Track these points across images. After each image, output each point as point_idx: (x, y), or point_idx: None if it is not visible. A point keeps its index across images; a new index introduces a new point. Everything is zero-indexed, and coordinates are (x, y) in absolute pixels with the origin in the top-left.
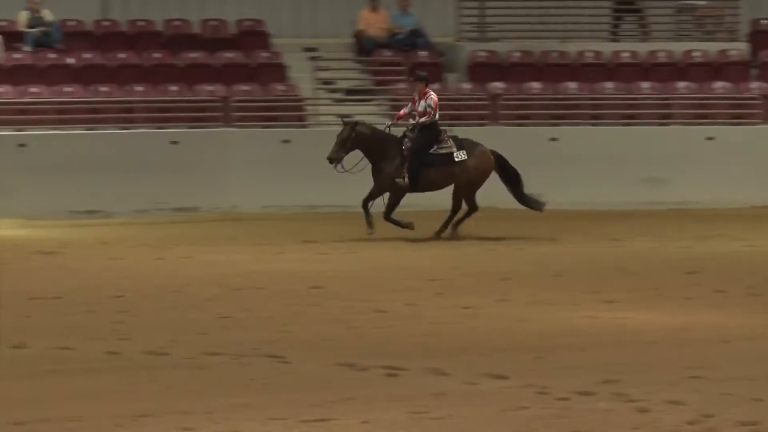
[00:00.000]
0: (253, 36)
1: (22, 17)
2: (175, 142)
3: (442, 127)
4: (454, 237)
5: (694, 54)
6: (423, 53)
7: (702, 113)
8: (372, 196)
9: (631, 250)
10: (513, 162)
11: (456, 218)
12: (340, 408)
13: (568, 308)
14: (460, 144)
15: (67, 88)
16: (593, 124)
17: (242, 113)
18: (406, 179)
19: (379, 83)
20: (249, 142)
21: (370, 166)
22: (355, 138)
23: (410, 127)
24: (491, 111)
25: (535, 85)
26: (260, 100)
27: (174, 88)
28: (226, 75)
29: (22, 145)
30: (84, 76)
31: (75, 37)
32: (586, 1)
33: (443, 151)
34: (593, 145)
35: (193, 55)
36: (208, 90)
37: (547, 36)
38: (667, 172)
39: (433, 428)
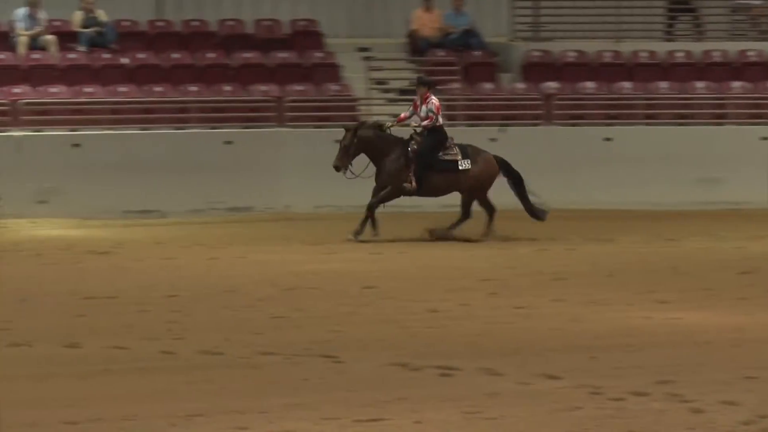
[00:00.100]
0: (306, 36)
1: (77, 17)
2: (228, 142)
3: (449, 135)
4: (485, 237)
5: (749, 53)
6: (477, 53)
7: (756, 113)
8: (376, 198)
9: (685, 250)
10: (567, 161)
11: (487, 222)
12: (393, 408)
13: (622, 308)
14: (465, 152)
15: (122, 88)
16: (647, 124)
17: (296, 113)
18: (414, 183)
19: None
20: (302, 142)
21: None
22: (358, 143)
23: (418, 130)
24: (545, 111)
25: (590, 85)
26: (314, 100)
27: (228, 88)
28: (280, 75)
29: (76, 145)
30: (138, 76)
31: (129, 37)
32: (640, 1)
33: (448, 157)
34: (647, 145)
35: (247, 55)
36: (262, 90)
37: (601, 36)
38: (721, 172)
39: (486, 428)
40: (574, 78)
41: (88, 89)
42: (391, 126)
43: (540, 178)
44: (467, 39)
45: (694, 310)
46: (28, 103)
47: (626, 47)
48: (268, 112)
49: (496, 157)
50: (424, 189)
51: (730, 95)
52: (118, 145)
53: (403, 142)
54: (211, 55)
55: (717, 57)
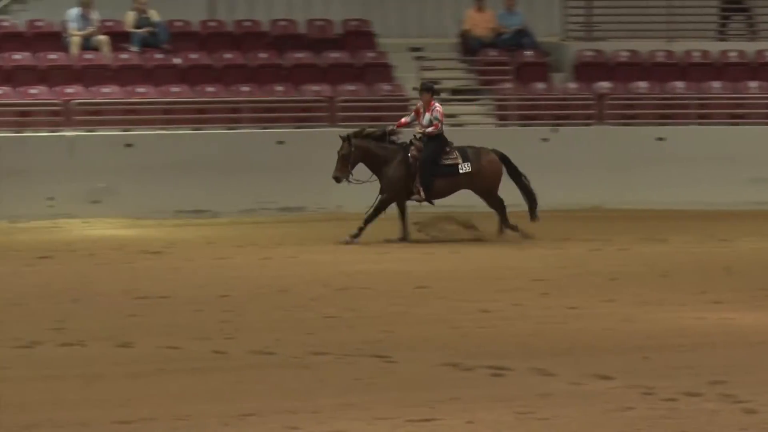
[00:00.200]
0: (358, 36)
1: (129, 18)
2: (281, 142)
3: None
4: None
5: None
6: (529, 53)
7: None
8: (378, 209)
9: (738, 250)
10: (619, 161)
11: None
12: (445, 408)
13: (675, 308)
14: (465, 155)
15: (174, 89)
16: (700, 124)
17: (348, 113)
18: (422, 193)
19: (484, 83)
20: None
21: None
22: (356, 152)
23: (418, 136)
24: (597, 111)
25: (642, 85)
26: (365, 100)
27: (280, 88)
28: (332, 75)
29: (129, 146)
30: (190, 76)
31: (181, 37)
32: (693, 0)
33: (449, 162)
34: (700, 144)
35: (299, 55)
36: (314, 90)
37: (653, 35)
38: None
39: (538, 428)
40: (627, 78)
41: (141, 89)
42: (391, 131)
43: (592, 178)
44: (519, 39)
45: (747, 311)
46: (80, 104)
47: (679, 47)
48: (319, 112)
49: (496, 152)
50: (429, 194)
51: None
52: (170, 145)
53: (403, 149)
54: (263, 55)
55: None
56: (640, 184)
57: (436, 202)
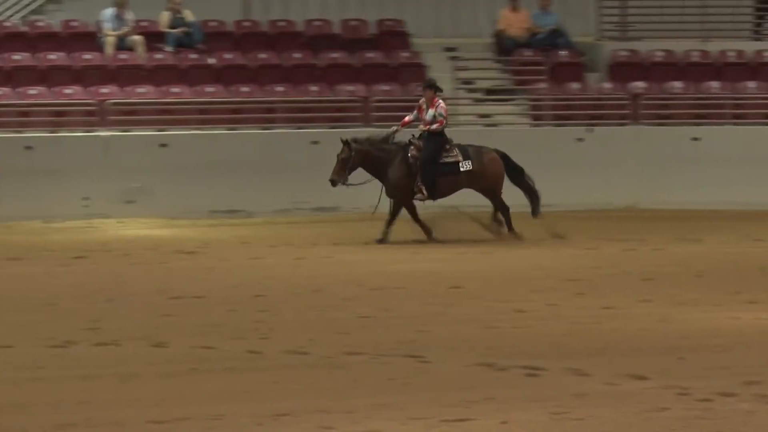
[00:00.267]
0: (393, 36)
1: (164, 18)
2: (315, 142)
3: (449, 137)
4: (497, 232)
5: None
6: (563, 53)
7: None
8: (393, 213)
9: None
10: (654, 161)
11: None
12: (479, 408)
13: (710, 309)
14: (466, 153)
15: (209, 89)
16: (735, 124)
17: (382, 113)
18: (425, 191)
19: (519, 83)
20: None
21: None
22: (355, 156)
23: (417, 135)
24: (632, 110)
25: (677, 85)
26: (400, 100)
27: (314, 88)
28: (367, 75)
29: (163, 145)
30: (225, 76)
31: (216, 37)
32: (728, 0)
33: (449, 160)
34: (735, 144)
35: (334, 55)
36: (348, 90)
37: (688, 35)
38: None
39: (573, 429)
40: (662, 77)
41: (175, 89)
42: (396, 131)
43: (626, 178)
44: (554, 39)
45: None
46: (115, 104)
47: (714, 47)
48: (354, 112)
49: (497, 151)
50: (432, 193)
51: None
52: (205, 145)
53: (402, 149)
54: (297, 55)
55: None
56: (674, 184)
57: (440, 201)
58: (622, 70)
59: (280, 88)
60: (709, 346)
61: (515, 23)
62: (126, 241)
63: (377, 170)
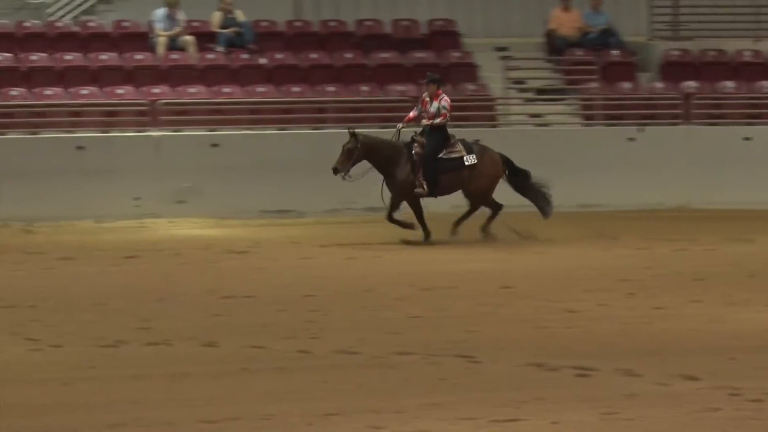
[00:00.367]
0: (444, 36)
1: (215, 18)
2: None
3: (451, 132)
4: (488, 237)
5: None
6: (615, 52)
7: None
8: (393, 207)
9: None
10: (706, 161)
11: (485, 219)
12: (529, 408)
13: (762, 309)
14: (470, 148)
15: (260, 89)
16: None
17: None
18: (425, 186)
19: (570, 83)
20: None
21: (374, 171)
22: (361, 148)
23: (419, 131)
24: (684, 110)
25: (729, 84)
26: (451, 100)
27: (365, 88)
28: (417, 75)
29: (214, 145)
30: (276, 76)
31: (267, 37)
32: None
33: (454, 155)
34: None
35: (385, 55)
36: (399, 90)
37: (740, 34)
38: None
39: (623, 429)
40: (713, 77)
41: (227, 89)
42: (402, 128)
43: (678, 177)
44: (606, 38)
45: None
46: (166, 104)
47: (766, 46)
48: (405, 112)
49: (501, 155)
50: (434, 190)
51: None
52: (256, 145)
53: (406, 146)
54: (348, 55)
55: None
56: (726, 184)
57: (442, 198)
58: (674, 70)
59: (331, 88)
60: (760, 346)
61: (567, 23)
62: (177, 241)
63: (381, 164)
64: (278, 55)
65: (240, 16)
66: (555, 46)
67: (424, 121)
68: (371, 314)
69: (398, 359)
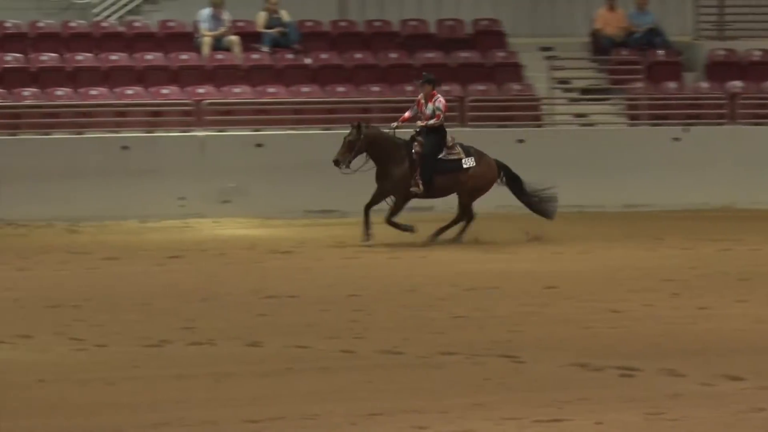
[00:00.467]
0: (489, 35)
1: (260, 18)
2: None
3: (449, 134)
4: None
5: None
6: (660, 52)
7: None
8: (374, 200)
9: None
10: (751, 161)
11: (458, 227)
12: (573, 408)
13: None
14: (468, 151)
15: (304, 89)
16: None
17: (478, 113)
18: (421, 186)
19: (615, 82)
20: (483, 141)
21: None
22: (363, 141)
23: (418, 131)
24: (729, 110)
25: None
26: (496, 99)
27: (410, 88)
28: (462, 74)
29: (259, 145)
30: (321, 76)
31: (312, 37)
32: None
33: (452, 157)
34: None
35: (430, 55)
36: (445, 90)
37: None
38: None
39: (668, 430)
40: (759, 77)
41: (271, 89)
42: (397, 127)
43: (723, 177)
44: (651, 38)
45: None
46: (211, 104)
47: None
48: (450, 111)
49: (498, 162)
50: (431, 190)
51: None
52: (300, 145)
53: (406, 145)
54: (393, 55)
55: None
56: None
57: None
58: (720, 70)
59: (375, 88)
60: None
61: (612, 22)
62: (221, 241)
63: (380, 159)
64: (323, 55)
65: (285, 16)
66: (600, 45)
67: (419, 123)
68: (415, 314)
69: (442, 359)
